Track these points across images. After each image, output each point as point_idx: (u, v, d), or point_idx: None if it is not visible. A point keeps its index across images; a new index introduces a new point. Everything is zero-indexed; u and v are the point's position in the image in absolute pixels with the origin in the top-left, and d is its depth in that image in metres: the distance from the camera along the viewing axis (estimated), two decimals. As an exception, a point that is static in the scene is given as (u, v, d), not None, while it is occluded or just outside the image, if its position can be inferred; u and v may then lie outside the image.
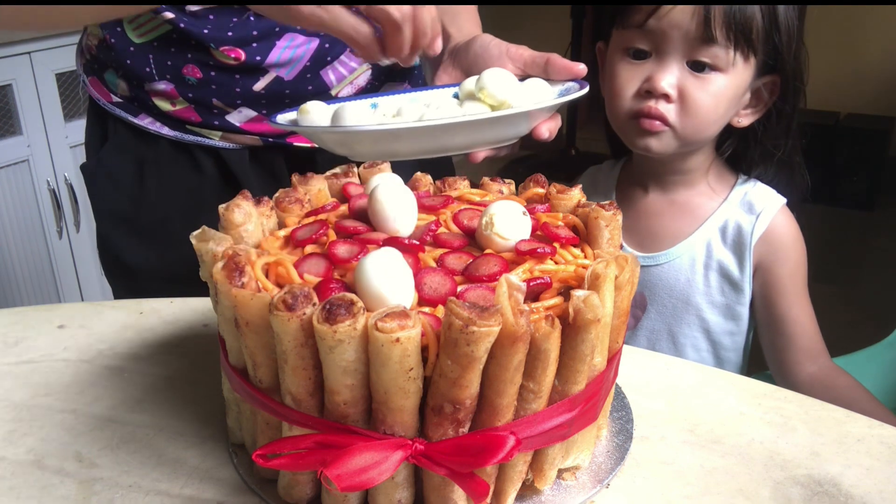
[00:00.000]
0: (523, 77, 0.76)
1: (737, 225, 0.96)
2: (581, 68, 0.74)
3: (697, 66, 0.88)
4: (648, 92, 0.89)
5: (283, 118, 0.72)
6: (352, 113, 0.66)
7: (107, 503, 0.55)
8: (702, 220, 0.98)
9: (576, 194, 0.64)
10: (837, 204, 3.12)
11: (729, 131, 0.96)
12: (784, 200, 0.96)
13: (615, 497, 0.55)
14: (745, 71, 0.89)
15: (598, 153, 1.14)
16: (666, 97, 0.88)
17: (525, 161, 3.55)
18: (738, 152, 0.99)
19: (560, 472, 0.56)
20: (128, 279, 1.00)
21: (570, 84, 0.74)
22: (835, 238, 2.80)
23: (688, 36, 0.86)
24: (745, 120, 0.94)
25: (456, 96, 0.77)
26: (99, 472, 0.58)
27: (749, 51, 0.88)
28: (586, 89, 0.71)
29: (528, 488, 0.54)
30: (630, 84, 0.91)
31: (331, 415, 0.48)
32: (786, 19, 0.89)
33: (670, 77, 0.88)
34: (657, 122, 0.89)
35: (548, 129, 0.71)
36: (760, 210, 0.95)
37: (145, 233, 0.96)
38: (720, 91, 0.88)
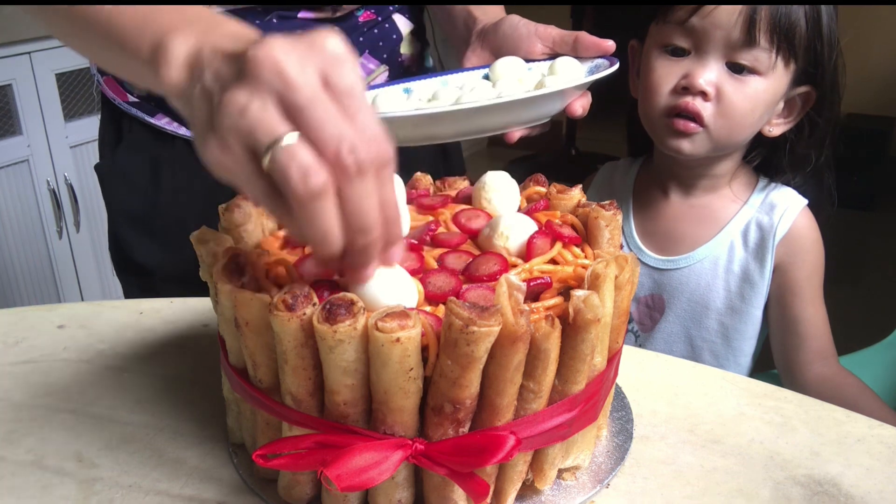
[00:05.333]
0: (553, 55, 0.77)
1: (759, 227, 0.95)
2: (610, 44, 0.74)
3: (736, 68, 0.87)
4: (686, 88, 0.88)
5: None
6: (389, 99, 0.66)
7: (107, 503, 0.55)
8: (723, 223, 0.97)
9: (576, 194, 0.63)
10: (838, 204, 3.12)
11: (757, 140, 0.95)
12: (805, 201, 0.96)
13: (615, 497, 0.55)
14: (784, 77, 0.88)
15: (599, 153, 1.14)
16: (703, 95, 0.87)
17: (525, 161, 3.55)
18: (766, 160, 0.98)
19: (560, 472, 0.56)
20: (140, 279, 1.00)
21: (600, 61, 0.74)
22: (835, 238, 2.80)
23: (730, 37, 0.85)
24: (776, 129, 0.93)
25: (486, 77, 0.77)
26: (99, 472, 0.58)
27: (791, 56, 0.87)
28: (616, 66, 0.71)
29: (528, 488, 0.54)
30: (667, 80, 0.90)
31: (331, 415, 0.48)
32: (828, 29, 0.88)
33: (709, 74, 0.87)
34: (692, 124, 0.88)
35: (581, 105, 0.71)
36: (783, 211, 0.94)
37: (159, 233, 0.96)
38: (757, 94, 0.87)
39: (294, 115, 0.42)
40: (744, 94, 0.87)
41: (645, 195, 1.03)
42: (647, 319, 1.00)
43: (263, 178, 0.43)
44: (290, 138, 0.41)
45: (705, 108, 0.88)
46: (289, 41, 0.43)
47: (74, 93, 1.94)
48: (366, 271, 0.47)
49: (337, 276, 0.50)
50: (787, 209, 0.94)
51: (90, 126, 1.91)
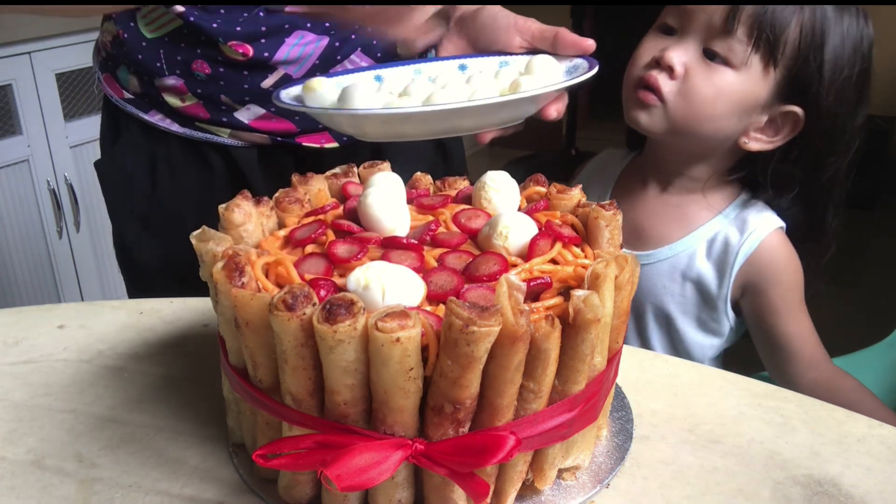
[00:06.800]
0: (531, 51, 0.75)
1: (725, 240, 0.93)
2: (590, 44, 0.73)
3: (711, 55, 0.87)
4: (658, 63, 0.89)
5: (288, 94, 0.70)
6: (361, 93, 0.65)
7: (107, 503, 0.55)
8: (692, 228, 0.96)
9: (576, 194, 0.63)
10: (838, 204, 3.12)
11: (746, 156, 0.93)
12: (781, 224, 0.93)
13: (615, 497, 0.55)
14: (761, 81, 0.87)
15: (599, 153, 1.15)
16: (671, 71, 0.88)
17: (525, 161, 3.55)
18: (750, 176, 0.96)
19: (560, 472, 0.56)
20: (140, 277, 1.00)
21: (578, 60, 0.72)
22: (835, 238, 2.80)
23: (711, 21, 0.86)
24: (753, 144, 0.90)
25: (461, 68, 0.75)
26: (99, 472, 0.58)
27: (770, 59, 0.85)
28: (595, 69, 0.69)
29: (528, 488, 0.54)
30: (647, 54, 0.91)
31: (331, 415, 0.48)
32: (835, 53, 0.85)
33: (682, 54, 0.88)
34: (652, 97, 0.89)
35: (556, 109, 0.70)
36: (752, 230, 0.92)
37: (157, 230, 0.96)
38: (723, 87, 0.87)
39: None
40: (710, 81, 0.87)
41: (625, 186, 1.03)
42: None
43: None
44: None
45: (666, 84, 0.88)
46: None
47: (74, 93, 1.94)
48: None
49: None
50: (756, 229, 0.92)
51: (90, 126, 1.91)
